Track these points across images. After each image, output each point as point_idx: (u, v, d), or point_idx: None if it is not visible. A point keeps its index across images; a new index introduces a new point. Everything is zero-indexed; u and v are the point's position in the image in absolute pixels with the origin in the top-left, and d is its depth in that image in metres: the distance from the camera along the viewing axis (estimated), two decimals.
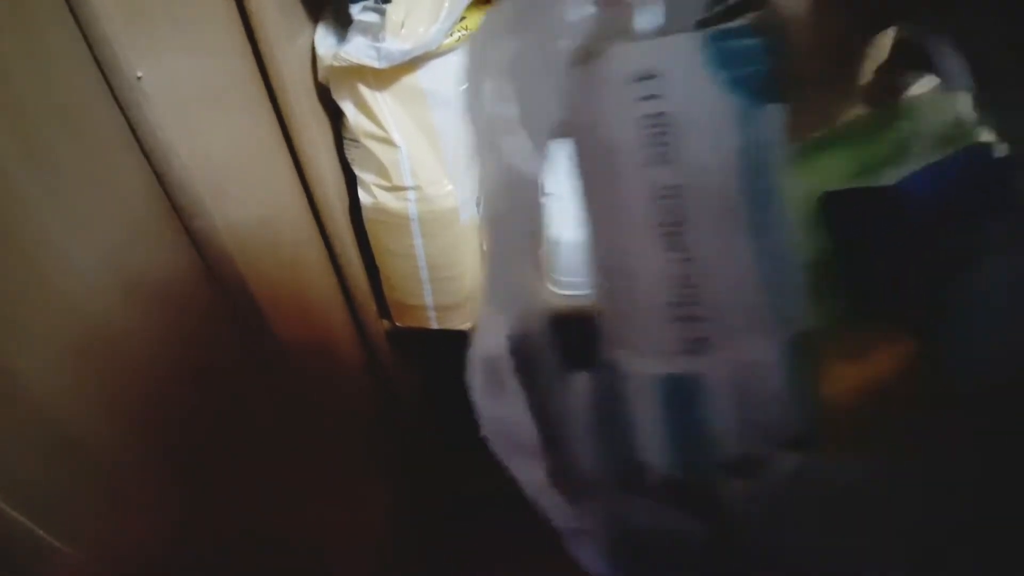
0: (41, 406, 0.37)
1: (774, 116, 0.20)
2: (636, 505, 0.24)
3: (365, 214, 0.56)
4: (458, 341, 0.29)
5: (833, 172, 0.27)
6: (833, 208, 0.25)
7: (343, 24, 0.51)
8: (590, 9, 0.19)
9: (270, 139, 0.49)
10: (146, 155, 0.37)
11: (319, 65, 0.50)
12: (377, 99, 0.49)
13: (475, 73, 0.20)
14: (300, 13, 0.51)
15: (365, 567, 0.70)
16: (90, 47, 0.33)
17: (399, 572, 0.74)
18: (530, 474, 0.23)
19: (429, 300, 0.60)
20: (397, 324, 0.63)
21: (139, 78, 0.35)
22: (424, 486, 0.79)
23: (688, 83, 0.19)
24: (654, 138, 0.19)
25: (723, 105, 0.20)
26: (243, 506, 0.55)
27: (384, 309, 0.63)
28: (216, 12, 0.44)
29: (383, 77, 0.49)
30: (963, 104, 0.29)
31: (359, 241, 0.59)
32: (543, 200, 0.23)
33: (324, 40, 0.51)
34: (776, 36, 0.20)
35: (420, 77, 0.48)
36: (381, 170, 0.52)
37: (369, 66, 0.47)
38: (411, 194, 0.53)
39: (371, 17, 0.47)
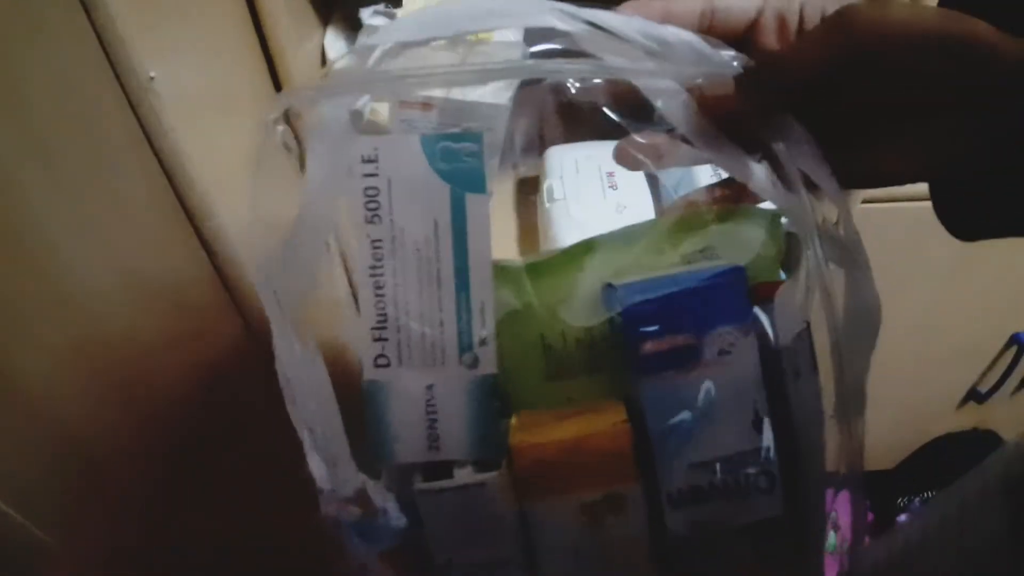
0: (40, 405, 0.36)
1: (477, 203, 0.26)
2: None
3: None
4: None
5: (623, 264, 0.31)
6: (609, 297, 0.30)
7: (353, 28, 0.53)
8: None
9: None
10: (157, 156, 0.37)
11: (329, 69, 0.54)
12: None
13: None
14: (311, 17, 0.53)
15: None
16: (103, 47, 0.33)
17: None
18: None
19: None
20: None
21: (152, 78, 0.35)
22: None
23: (398, 167, 0.26)
24: (369, 202, 0.26)
25: (430, 185, 0.26)
26: (241, 507, 0.56)
27: None
28: (228, 15, 0.45)
29: None
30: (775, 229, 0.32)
31: None
32: None
33: (334, 44, 0.53)
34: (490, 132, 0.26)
35: None
36: None
37: None
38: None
39: (381, 21, 0.50)
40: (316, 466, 0.30)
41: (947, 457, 1.01)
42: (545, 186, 0.60)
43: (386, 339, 0.27)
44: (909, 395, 0.95)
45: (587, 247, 0.31)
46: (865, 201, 0.69)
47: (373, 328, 0.27)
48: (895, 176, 0.28)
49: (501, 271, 0.31)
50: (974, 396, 0.95)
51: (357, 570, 0.31)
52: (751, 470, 0.29)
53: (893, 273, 0.80)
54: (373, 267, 0.27)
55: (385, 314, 0.27)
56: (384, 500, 0.30)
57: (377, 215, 0.26)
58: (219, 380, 0.47)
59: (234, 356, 0.47)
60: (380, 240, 0.26)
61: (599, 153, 0.62)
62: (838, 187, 0.27)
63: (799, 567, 0.31)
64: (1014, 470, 0.43)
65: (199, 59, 0.42)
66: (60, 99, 0.33)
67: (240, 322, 0.46)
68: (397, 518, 0.30)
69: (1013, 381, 0.91)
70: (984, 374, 0.93)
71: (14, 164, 0.31)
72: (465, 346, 0.27)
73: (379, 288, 0.27)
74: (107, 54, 0.33)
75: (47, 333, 0.35)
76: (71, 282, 0.36)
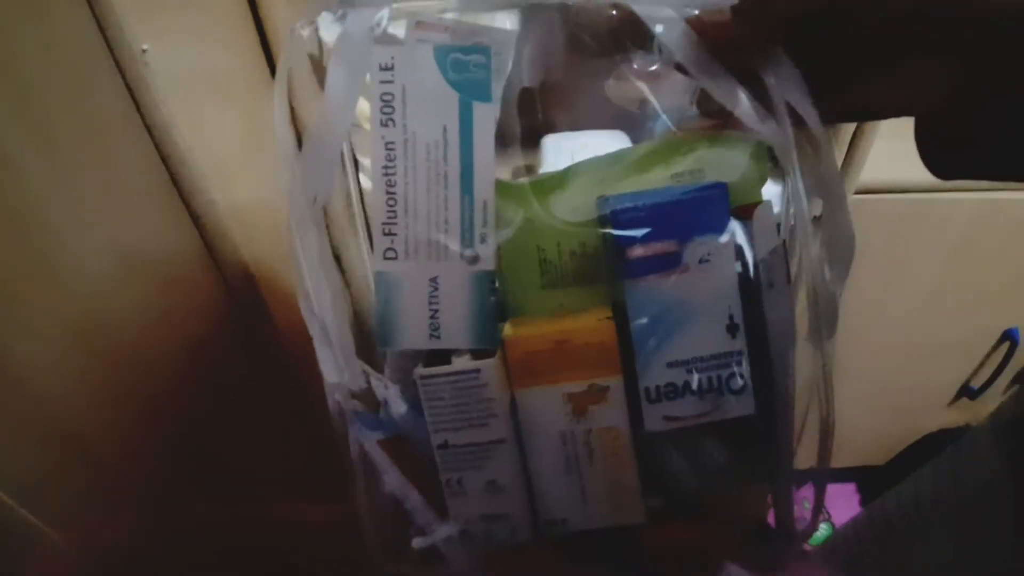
0: (36, 390, 0.35)
1: (484, 111, 0.29)
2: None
3: (366, 200, 0.56)
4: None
5: (616, 181, 0.34)
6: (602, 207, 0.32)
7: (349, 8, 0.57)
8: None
9: (271, 121, 0.46)
10: (148, 130, 0.36)
11: (323, 50, 0.53)
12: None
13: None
14: None
15: (363, 564, 0.70)
16: (96, 18, 0.33)
17: (390, 563, 0.72)
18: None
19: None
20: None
21: (144, 51, 0.34)
22: None
23: (412, 76, 0.29)
24: (384, 107, 0.29)
25: (441, 94, 0.29)
26: (237, 497, 0.55)
27: None
28: None
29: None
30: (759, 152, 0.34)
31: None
32: None
33: (329, 26, 0.56)
34: (498, 55, 0.29)
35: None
36: None
37: None
38: (351, 171, 0.52)
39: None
40: (325, 359, 0.33)
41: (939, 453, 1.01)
42: (540, 173, 0.62)
43: (395, 234, 0.30)
44: (901, 391, 0.96)
45: (583, 166, 0.34)
46: (858, 192, 0.69)
47: (383, 223, 0.30)
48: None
49: (504, 187, 0.34)
50: (966, 392, 0.95)
51: (358, 457, 0.34)
52: (724, 371, 0.31)
53: (886, 268, 0.80)
54: (386, 167, 0.29)
55: (395, 211, 0.30)
56: (385, 391, 0.33)
57: (391, 119, 0.29)
58: (209, 358, 0.47)
59: (224, 334, 0.47)
60: (393, 142, 0.29)
61: (595, 142, 0.64)
62: (820, 121, 0.29)
63: (769, 469, 0.33)
64: (1003, 416, 0.44)
65: (193, 37, 0.42)
66: (54, 72, 0.33)
67: (231, 300, 0.46)
68: (397, 405, 0.33)
69: (1005, 377, 0.91)
70: (976, 370, 0.93)
71: (10, 141, 0.31)
72: (467, 243, 0.30)
73: (390, 187, 0.29)
74: (100, 25, 0.33)
75: (42, 314, 0.35)
76: (66, 261, 0.36)
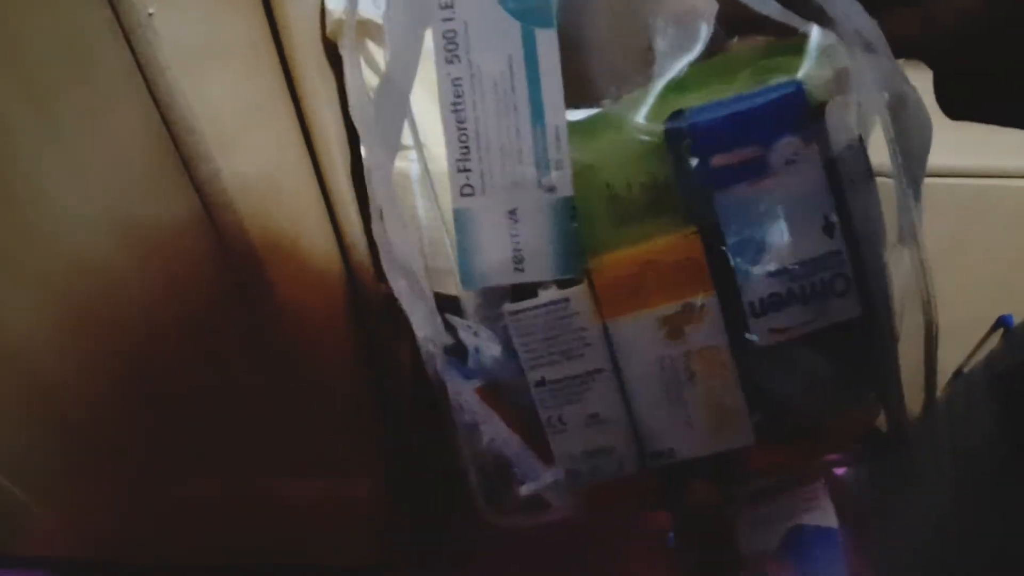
0: (23, 358, 0.35)
1: (546, 37, 0.29)
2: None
3: (367, 173, 0.58)
4: (452, 307, 0.32)
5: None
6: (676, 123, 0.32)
7: None
8: None
9: (275, 91, 0.47)
10: (152, 95, 0.36)
11: (328, 20, 0.50)
12: (384, 56, 0.50)
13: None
14: None
15: (351, 541, 0.68)
16: None
17: (387, 546, 0.71)
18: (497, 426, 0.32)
19: (427, 263, 0.58)
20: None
21: (151, 15, 0.34)
22: (414, 459, 0.74)
23: (473, 10, 0.29)
24: (448, 44, 0.29)
25: (502, 24, 0.29)
26: (224, 472, 0.54)
27: (382, 272, 0.63)
28: None
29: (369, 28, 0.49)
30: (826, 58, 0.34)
31: (360, 201, 0.57)
32: None
33: None
34: None
35: (428, 36, 0.53)
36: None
37: (377, 22, 0.49)
38: (413, 154, 0.51)
39: None
40: (416, 312, 0.33)
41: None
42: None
43: (470, 170, 0.30)
44: (912, 397, 0.92)
45: (633, 99, 0.33)
46: None
47: (457, 160, 0.30)
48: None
49: (569, 125, 0.33)
50: (960, 378, 0.93)
51: (456, 408, 0.33)
52: (827, 274, 0.30)
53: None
54: (455, 103, 0.29)
55: (468, 146, 0.29)
56: (475, 338, 0.33)
57: (456, 55, 0.29)
58: (206, 330, 0.46)
59: (222, 305, 0.46)
60: (460, 78, 0.29)
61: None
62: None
63: (877, 375, 0.32)
64: (996, 368, 0.43)
65: (199, 2, 0.41)
66: (54, 32, 0.32)
67: (231, 272, 0.44)
68: (491, 348, 0.32)
69: None
70: (970, 356, 0.91)
71: (5, 104, 0.31)
72: (543, 171, 0.30)
73: (461, 123, 0.29)
74: None
75: (31, 278, 0.34)
76: (62, 228, 0.35)
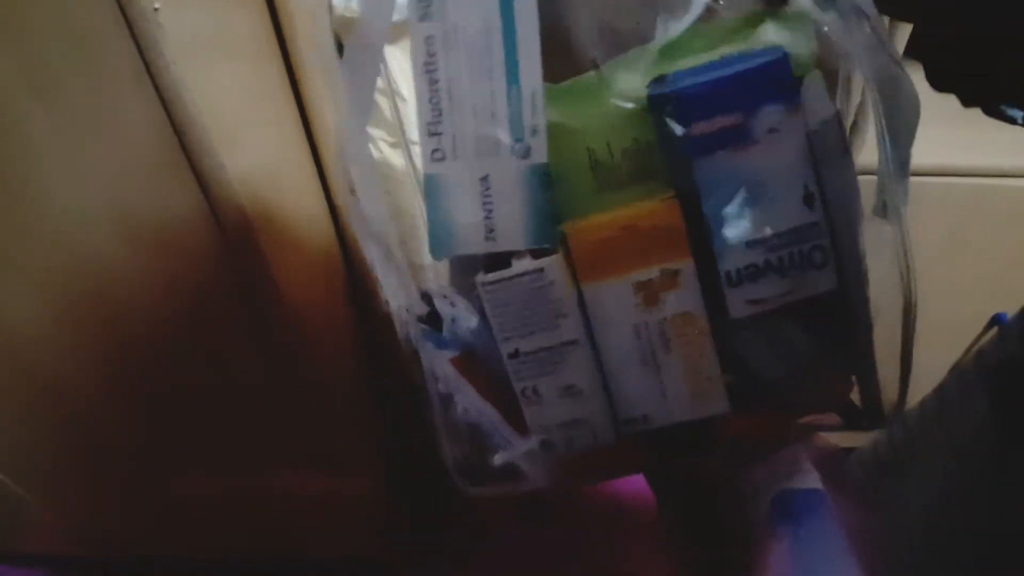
0: (23, 354, 0.35)
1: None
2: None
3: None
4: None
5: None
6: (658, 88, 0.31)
7: None
8: None
9: (279, 86, 0.47)
10: (157, 89, 0.36)
11: (332, 15, 0.47)
12: (387, 53, 0.45)
13: None
14: None
15: (351, 538, 0.68)
16: None
17: (387, 544, 0.71)
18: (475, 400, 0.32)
19: (428, 260, 0.58)
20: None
21: (156, 9, 0.34)
22: (414, 457, 0.73)
23: None
24: (421, 3, 0.28)
25: None
26: (224, 469, 0.53)
27: None
28: None
29: (395, 31, 0.48)
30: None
31: None
32: None
33: None
34: None
35: None
36: (388, 125, 0.51)
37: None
38: (416, 150, 0.47)
39: None
40: (389, 282, 0.32)
41: None
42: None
43: (441, 133, 0.29)
44: (890, 374, 0.94)
45: (627, 58, 0.32)
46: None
47: (428, 123, 0.29)
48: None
49: (549, 91, 0.32)
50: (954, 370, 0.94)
51: (431, 379, 0.33)
52: (805, 245, 0.29)
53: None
54: (427, 64, 0.28)
55: (439, 108, 0.29)
56: (451, 308, 0.32)
57: (430, 12, 0.28)
58: (208, 326, 0.45)
59: (224, 301, 0.45)
60: (433, 36, 0.28)
61: None
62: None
63: (852, 348, 0.32)
64: (989, 357, 0.43)
65: None
66: (59, 25, 0.32)
67: (234, 268, 0.44)
68: (467, 319, 0.32)
69: None
70: (964, 354, 0.91)
71: (11, 97, 0.31)
72: (517, 136, 0.29)
73: (434, 83, 0.28)
74: None
75: (33, 272, 0.34)
76: (65, 222, 0.35)
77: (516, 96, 0.29)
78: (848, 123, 0.32)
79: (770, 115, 0.29)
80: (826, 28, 0.32)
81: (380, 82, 0.48)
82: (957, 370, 0.45)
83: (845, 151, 0.30)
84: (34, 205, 0.33)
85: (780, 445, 0.33)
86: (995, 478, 0.29)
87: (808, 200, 0.29)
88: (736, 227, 0.29)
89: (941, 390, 0.46)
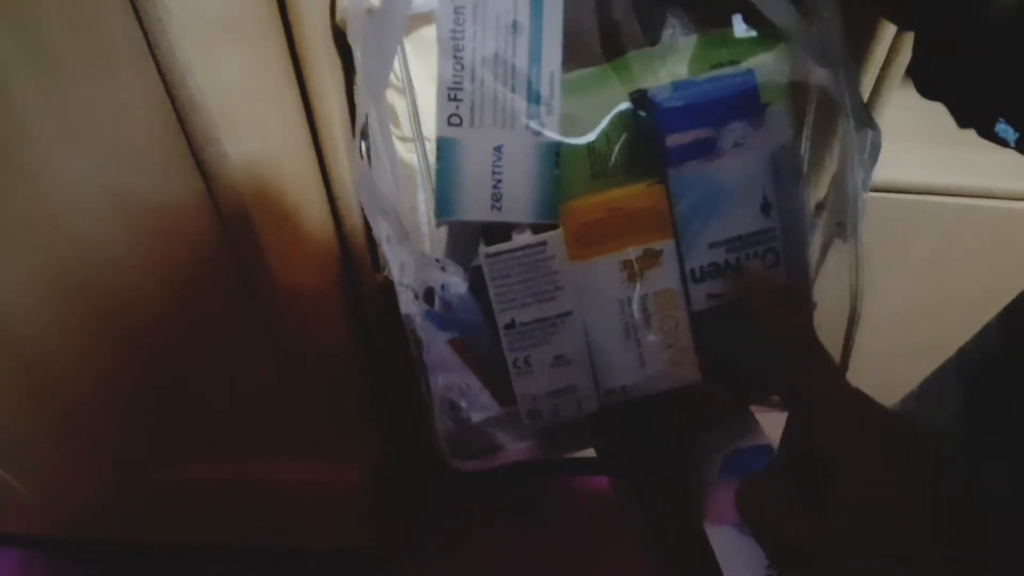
0: (19, 340, 0.35)
1: None
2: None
3: (358, 94, 0.52)
4: None
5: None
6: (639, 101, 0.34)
7: None
8: None
9: (282, 75, 0.48)
10: (161, 73, 0.35)
11: (337, 7, 0.51)
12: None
13: None
14: None
15: (342, 526, 0.68)
16: None
17: (378, 532, 0.71)
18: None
19: (429, 252, 0.55)
20: (390, 278, 0.57)
21: None
22: (406, 446, 0.75)
23: None
24: None
25: None
26: (215, 456, 0.54)
27: (379, 262, 0.62)
28: None
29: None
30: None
31: None
32: None
33: None
34: None
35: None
36: (390, 118, 0.51)
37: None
38: (417, 145, 0.51)
39: None
40: (395, 256, 0.32)
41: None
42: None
43: (460, 100, 0.30)
44: (881, 388, 0.97)
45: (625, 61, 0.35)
46: None
47: (449, 88, 0.30)
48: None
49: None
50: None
51: (428, 357, 0.32)
52: (760, 247, 0.34)
53: (868, 267, 0.82)
54: (454, 31, 0.30)
55: (461, 76, 0.30)
56: (443, 274, 0.32)
57: None
58: (205, 314, 0.45)
59: (222, 290, 0.45)
60: (463, 7, 0.30)
61: None
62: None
63: None
64: (969, 359, 0.46)
65: None
66: (63, 6, 0.31)
67: (232, 256, 0.44)
68: (457, 286, 0.32)
69: None
70: None
71: (10, 77, 0.30)
72: (533, 113, 0.31)
73: (458, 51, 0.30)
74: None
75: (27, 256, 0.33)
76: (62, 205, 0.34)
77: (536, 74, 0.31)
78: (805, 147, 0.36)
79: (736, 130, 0.33)
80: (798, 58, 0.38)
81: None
82: (939, 368, 0.49)
83: (798, 173, 0.35)
84: (32, 189, 0.32)
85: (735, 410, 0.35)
86: (966, 465, 0.32)
87: (765, 208, 0.34)
88: (700, 230, 0.33)
89: (923, 385, 0.50)
